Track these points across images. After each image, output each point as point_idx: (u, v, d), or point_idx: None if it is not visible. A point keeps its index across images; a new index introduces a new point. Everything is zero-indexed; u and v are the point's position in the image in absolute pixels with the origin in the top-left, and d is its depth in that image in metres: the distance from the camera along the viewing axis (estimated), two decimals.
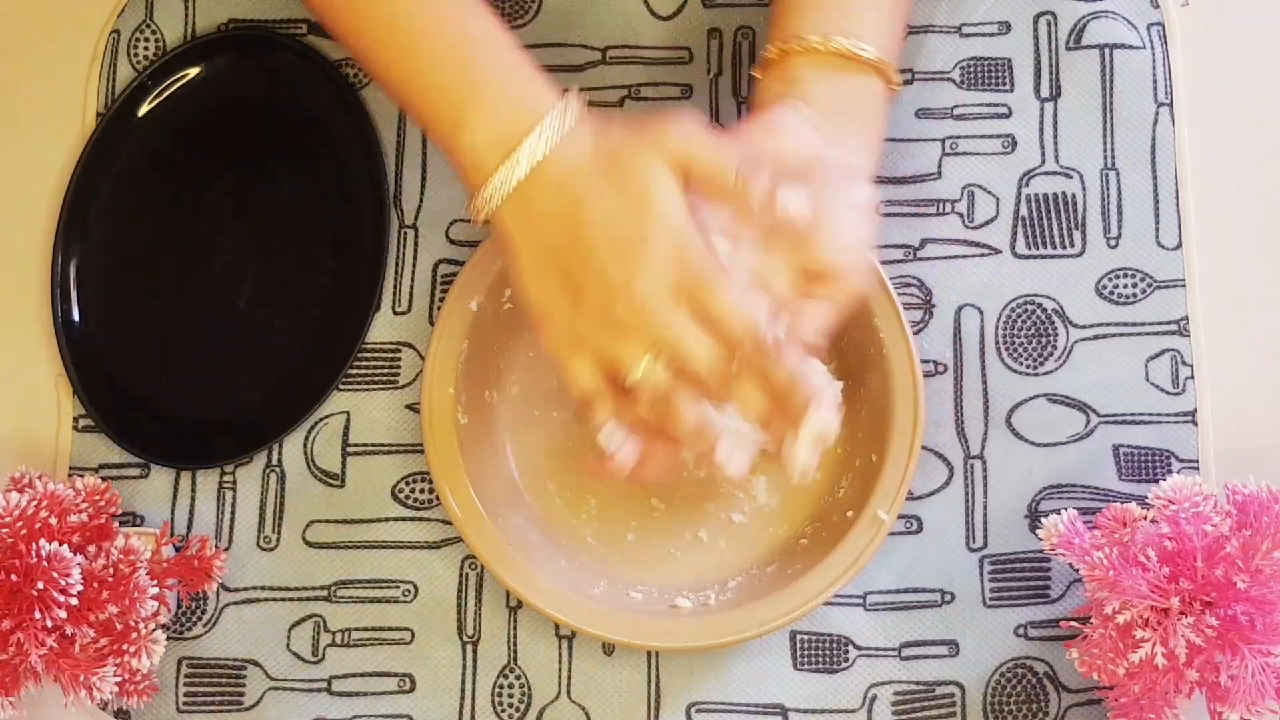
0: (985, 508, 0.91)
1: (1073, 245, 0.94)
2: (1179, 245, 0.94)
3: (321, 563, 0.92)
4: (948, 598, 0.90)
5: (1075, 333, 0.93)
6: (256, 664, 0.91)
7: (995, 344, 0.93)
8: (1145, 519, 0.85)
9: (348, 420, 0.93)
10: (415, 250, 0.95)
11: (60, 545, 0.82)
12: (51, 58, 0.99)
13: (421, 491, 0.92)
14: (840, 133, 0.84)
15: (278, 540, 0.92)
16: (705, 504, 0.92)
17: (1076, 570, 0.85)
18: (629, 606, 0.88)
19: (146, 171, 0.97)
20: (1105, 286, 0.94)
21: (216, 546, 0.91)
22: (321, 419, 0.94)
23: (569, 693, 0.90)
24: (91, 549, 0.86)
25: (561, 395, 0.93)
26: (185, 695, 0.90)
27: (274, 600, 0.91)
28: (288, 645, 0.91)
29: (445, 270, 0.95)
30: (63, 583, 0.81)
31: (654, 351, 0.77)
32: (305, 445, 0.93)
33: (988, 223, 0.94)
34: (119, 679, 0.85)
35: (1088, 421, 0.92)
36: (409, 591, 0.91)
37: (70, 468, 0.93)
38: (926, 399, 0.89)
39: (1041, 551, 0.88)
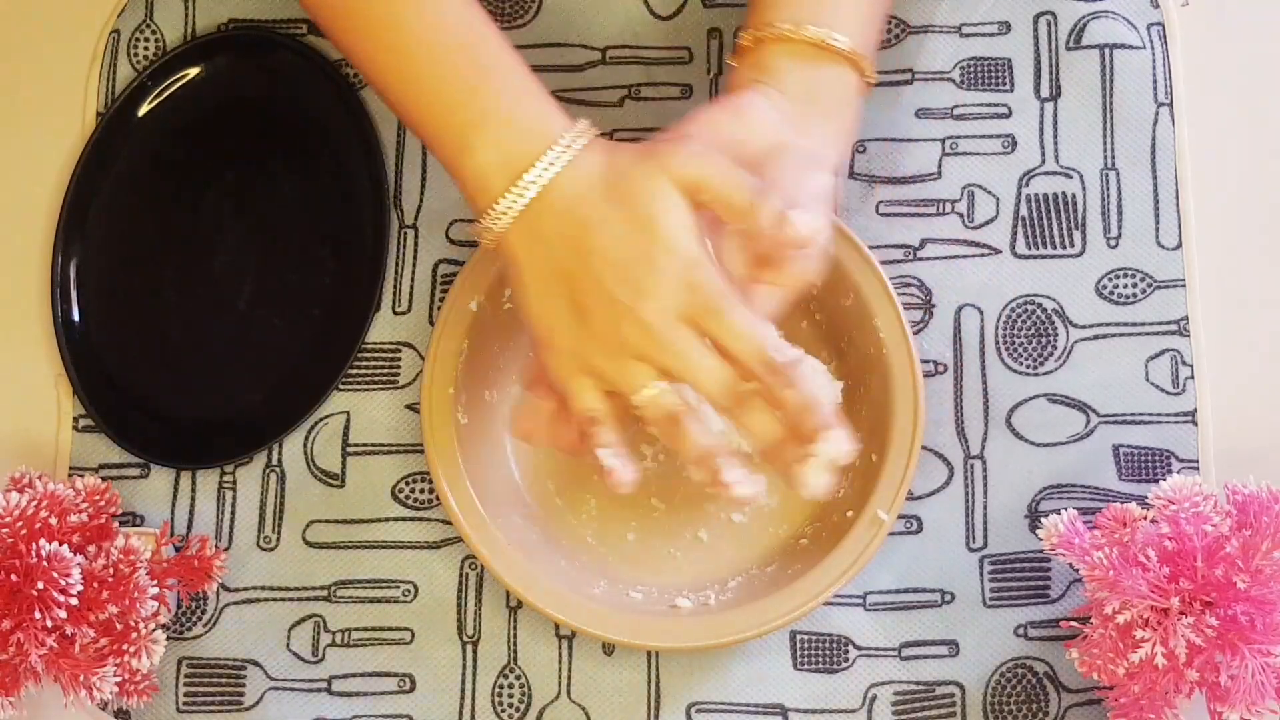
0: (985, 508, 0.91)
1: (1073, 245, 0.94)
2: (1179, 245, 0.94)
3: (321, 563, 0.92)
4: (948, 598, 0.90)
5: (1075, 333, 0.93)
6: (256, 664, 0.91)
7: (995, 344, 0.93)
8: (1145, 519, 0.85)
9: (348, 420, 0.93)
10: (415, 250, 0.95)
11: (60, 545, 0.82)
12: (51, 58, 0.99)
13: (421, 491, 0.92)
14: (809, 122, 0.84)
15: (278, 540, 0.92)
16: (705, 504, 0.92)
17: (1076, 570, 0.85)
18: (629, 606, 0.88)
19: (146, 171, 0.97)
20: (1105, 286, 0.94)
21: (216, 546, 0.91)
22: (321, 419, 0.94)
23: (569, 693, 0.90)
24: (91, 549, 0.86)
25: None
26: (185, 695, 0.90)
27: (274, 600, 0.91)
28: (288, 645, 0.91)
29: (445, 270, 0.95)
30: (63, 583, 0.81)
31: (662, 376, 0.77)
32: (305, 445, 0.93)
33: (988, 223, 0.94)
34: (119, 679, 0.85)
35: (1088, 421, 0.92)
36: (409, 591, 0.91)
37: (70, 468, 0.93)
38: (926, 399, 0.89)
39: (1041, 551, 0.88)
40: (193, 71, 0.98)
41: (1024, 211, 0.95)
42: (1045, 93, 0.96)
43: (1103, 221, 0.94)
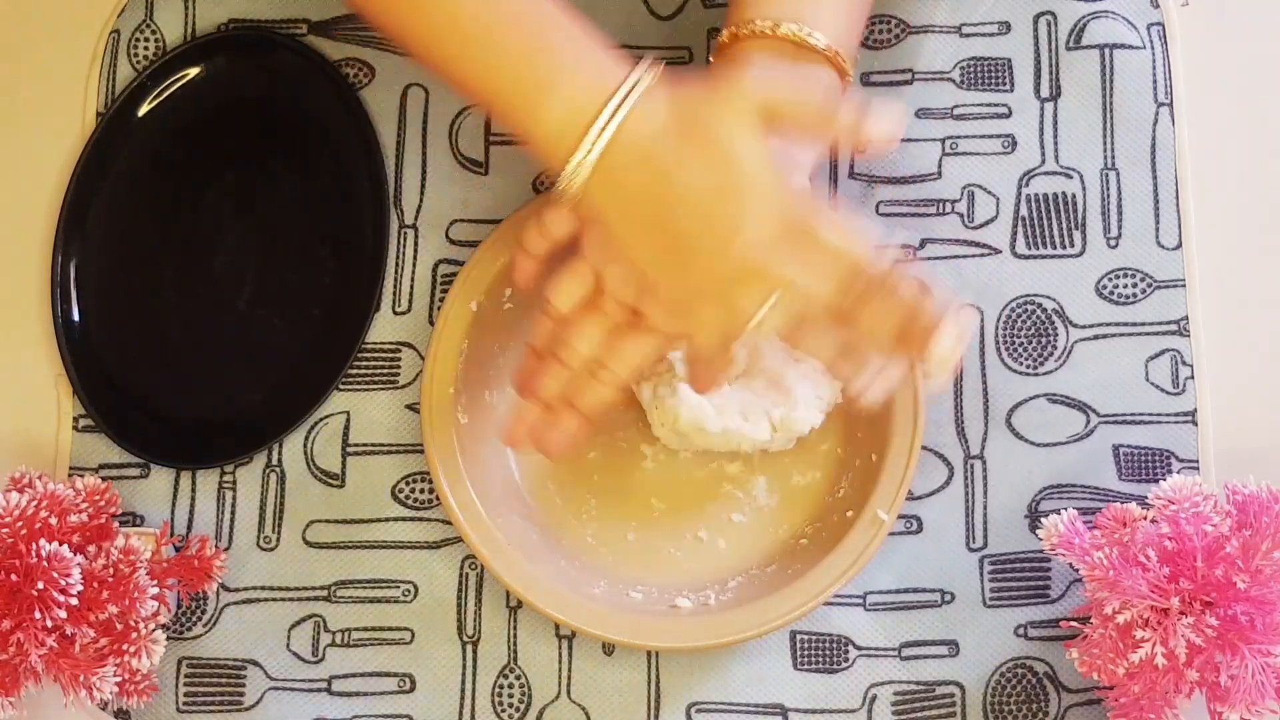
0: (985, 508, 0.91)
1: (1073, 245, 0.94)
2: (1179, 245, 0.94)
3: (321, 563, 0.92)
4: (948, 598, 0.90)
5: (1075, 333, 0.93)
6: (256, 664, 0.91)
7: (995, 344, 0.93)
8: (1145, 519, 0.85)
9: (348, 420, 0.93)
10: (415, 250, 0.95)
11: (60, 545, 0.82)
12: (51, 58, 0.99)
13: (421, 491, 0.92)
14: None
15: (278, 540, 0.92)
16: (705, 504, 0.92)
17: (1076, 570, 0.85)
18: (629, 606, 0.88)
19: (146, 171, 0.97)
20: (1105, 286, 0.94)
21: (216, 546, 0.91)
22: (321, 419, 0.94)
23: (569, 693, 0.90)
24: (91, 549, 0.86)
25: None
26: (185, 695, 0.90)
27: (274, 600, 0.91)
28: (288, 645, 0.91)
29: (445, 270, 0.95)
30: (63, 583, 0.81)
31: (773, 295, 0.78)
32: (305, 445, 0.93)
33: (988, 223, 0.94)
34: (119, 679, 0.85)
35: (1088, 421, 0.92)
36: (409, 591, 0.91)
37: (70, 468, 0.93)
38: (926, 399, 0.89)
39: (1041, 551, 0.88)
40: (193, 71, 0.98)
41: (1024, 211, 0.95)
42: (1045, 93, 0.96)
43: (1103, 221, 0.94)
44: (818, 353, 0.80)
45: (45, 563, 0.82)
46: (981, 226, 0.94)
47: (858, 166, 0.95)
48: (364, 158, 0.96)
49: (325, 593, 0.91)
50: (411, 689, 0.90)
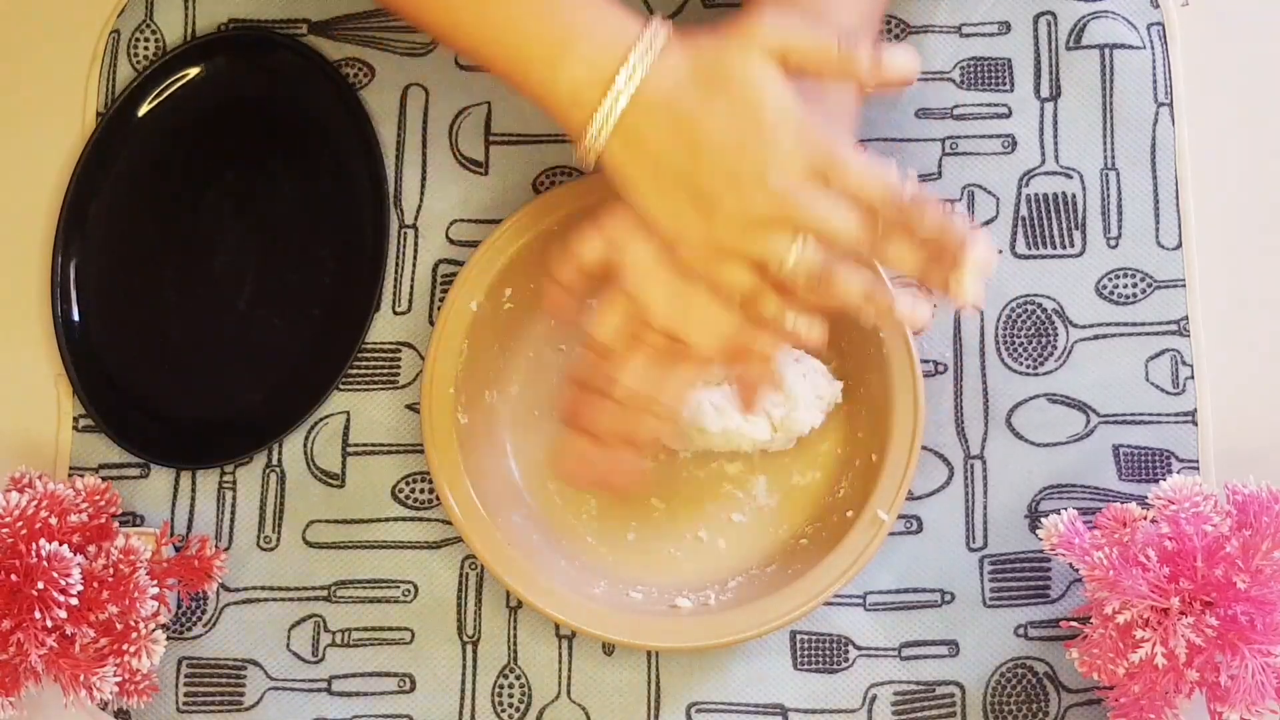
0: (985, 508, 0.91)
1: (1073, 245, 0.94)
2: (1179, 245, 0.94)
3: (321, 563, 0.92)
4: (948, 598, 0.90)
5: (1075, 333, 0.93)
6: (256, 664, 0.91)
7: (995, 344, 0.93)
8: (1145, 519, 0.85)
9: (348, 420, 0.93)
10: (415, 250, 0.95)
11: (60, 545, 0.82)
12: (51, 58, 0.99)
13: (421, 491, 0.92)
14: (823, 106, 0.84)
15: (278, 540, 0.92)
16: (705, 504, 0.92)
17: (1076, 570, 0.85)
18: (629, 606, 0.88)
19: (146, 171, 0.97)
20: (1105, 286, 0.94)
21: (216, 546, 0.91)
22: (321, 419, 0.94)
23: (569, 693, 0.90)
24: (91, 549, 0.86)
25: (562, 395, 0.93)
26: (185, 695, 0.90)
27: (274, 600, 0.91)
28: (288, 645, 0.91)
29: (445, 270, 0.95)
30: (63, 583, 0.81)
31: (802, 236, 0.77)
32: (305, 445, 0.93)
33: (988, 223, 0.94)
34: (119, 679, 0.85)
35: (1088, 421, 0.92)
36: (409, 591, 0.91)
37: (70, 468, 0.93)
38: (926, 399, 0.89)
39: (1041, 551, 0.88)
40: (193, 71, 0.98)
41: (1024, 211, 0.95)
42: (1045, 93, 0.96)
43: (1103, 221, 0.94)
44: (848, 292, 0.79)
45: (45, 563, 0.82)
46: (981, 226, 0.94)
47: None
48: (364, 158, 0.96)
49: (325, 593, 0.91)
50: (411, 689, 0.90)
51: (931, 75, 0.96)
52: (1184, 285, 0.93)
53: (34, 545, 0.82)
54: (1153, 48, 0.96)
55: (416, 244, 0.95)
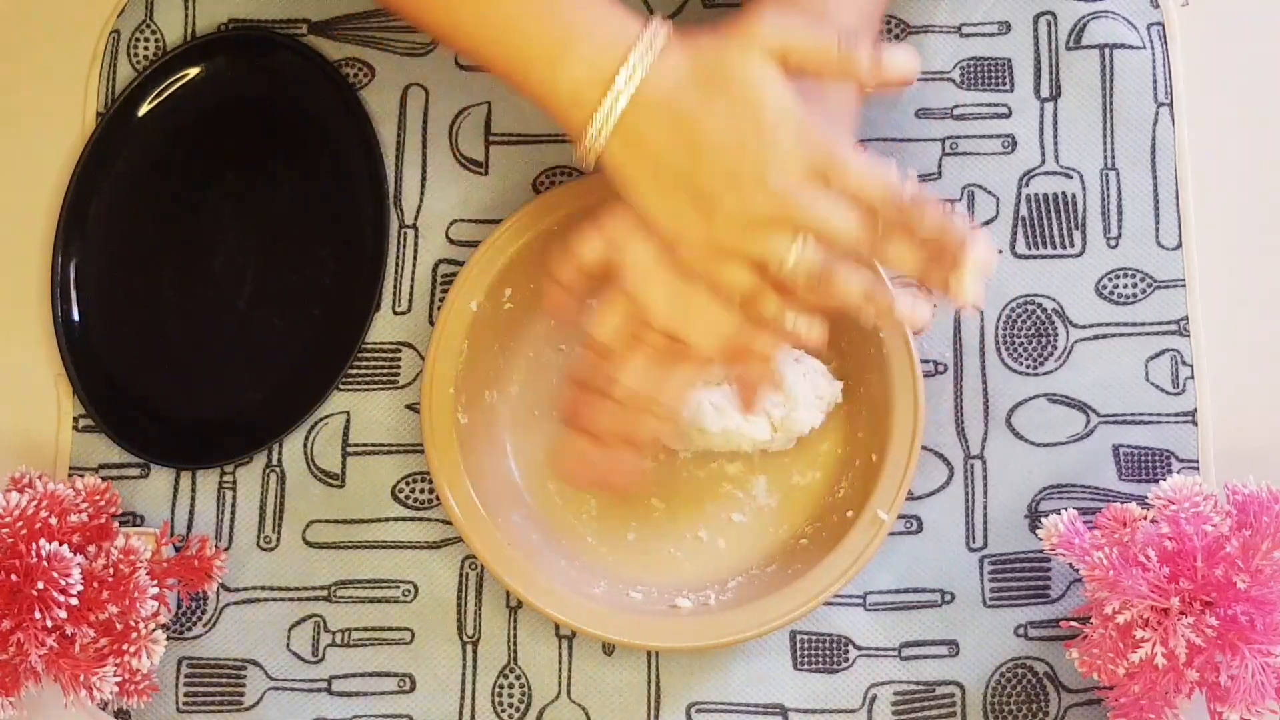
0: (985, 508, 0.91)
1: (1073, 245, 0.94)
2: (1179, 245, 0.94)
3: (321, 563, 0.92)
4: (948, 598, 0.90)
5: (1075, 333, 0.93)
6: (256, 664, 0.91)
7: (995, 344, 0.93)
8: (1145, 519, 0.85)
9: (348, 420, 0.93)
10: (415, 250, 0.95)
11: (60, 545, 0.82)
12: (51, 58, 0.99)
13: (421, 491, 0.92)
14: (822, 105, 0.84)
15: (278, 540, 0.92)
16: (705, 504, 0.92)
17: (1076, 570, 0.85)
18: (629, 606, 0.88)
19: (146, 171, 0.97)
20: (1105, 286, 0.94)
21: (216, 546, 0.91)
22: (321, 419, 0.94)
23: (569, 693, 0.90)
24: (91, 549, 0.86)
25: (562, 395, 0.93)
26: (185, 695, 0.90)
27: (274, 600, 0.91)
28: (288, 645, 0.91)
29: (445, 270, 0.95)
30: (63, 583, 0.81)
31: (802, 236, 0.77)
32: (305, 445, 0.93)
33: (988, 223, 0.94)
34: (119, 679, 0.85)
35: (1088, 421, 0.92)
36: (409, 591, 0.91)
37: (70, 468, 0.93)
38: (926, 399, 0.89)
39: (1041, 551, 0.88)
40: (193, 71, 0.98)
41: (1024, 211, 0.95)
42: (1045, 93, 0.96)
43: (1103, 221, 0.94)
44: (848, 292, 0.79)
45: (45, 563, 0.82)
46: (981, 227, 0.94)
47: None
48: (364, 158, 0.96)
49: (325, 593, 0.91)
50: (411, 689, 0.90)
51: (931, 75, 0.96)
52: (1184, 285, 0.93)
53: (34, 545, 0.82)
54: (1153, 48, 0.96)
55: (416, 244, 0.95)
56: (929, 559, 0.90)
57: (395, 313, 0.95)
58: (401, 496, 0.92)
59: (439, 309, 0.93)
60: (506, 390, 0.93)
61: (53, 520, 0.84)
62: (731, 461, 0.92)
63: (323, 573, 0.92)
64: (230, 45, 0.98)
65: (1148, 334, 0.93)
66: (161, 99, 0.97)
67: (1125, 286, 0.93)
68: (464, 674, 0.90)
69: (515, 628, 0.90)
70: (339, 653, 0.91)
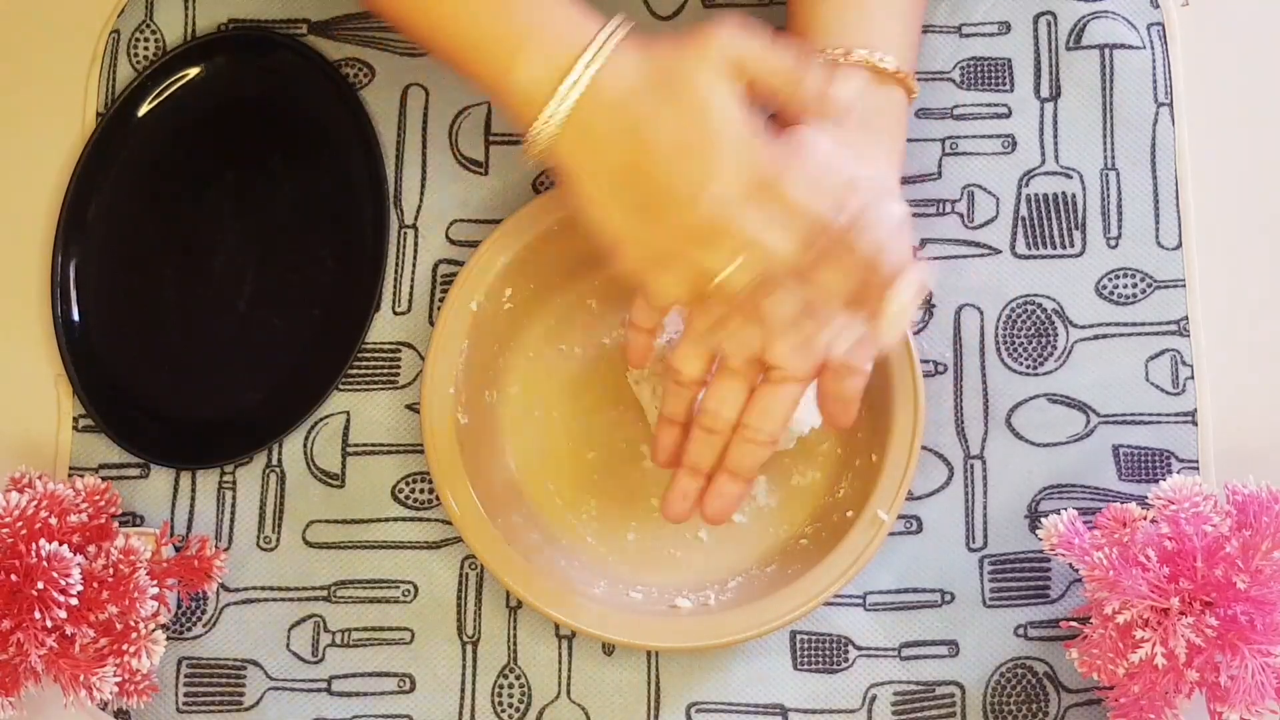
0: (985, 508, 0.91)
1: (1073, 245, 0.94)
2: (1179, 245, 0.94)
3: (321, 563, 0.92)
4: (948, 598, 0.90)
5: (1075, 333, 0.93)
6: (256, 664, 0.91)
7: (995, 344, 0.93)
8: (1145, 519, 0.85)
9: (348, 420, 0.93)
10: (415, 250, 0.95)
11: (60, 545, 0.82)
12: (51, 58, 0.99)
13: (421, 491, 0.92)
14: (865, 146, 0.84)
15: (278, 540, 0.92)
16: None
17: (1076, 570, 0.85)
18: (629, 606, 0.88)
19: (146, 171, 0.97)
20: (1105, 286, 0.94)
21: (216, 546, 0.91)
22: (321, 419, 0.94)
23: (569, 693, 0.90)
24: (91, 549, 0.86)
25: (562, 395, 0.93)
26: (185, 695, 0.90)
27: (274, 600, 0.91)
28: (288, 645, 0.91)
29: (445, 270, 0.95)
30: (63, 583, 0.81)
31: (737, 252, 0.77)
32: (305, 445, 0.93)
33: (988, 223, 0.94)
34: (119, 679, 0.85)
35: (1088, 421, 0.92)
36: (409, 591, 0.91)
37: (70, 468, 0.93)
38: (926, 399, 0.89)
39: (1041, 551, 0.88)
40: (193, 71, 0.98)
41: (1024, 211, 0.95)
42: (1045, 93, 0.96)
43: (1103, 221, 0.94)
44: (777, 313, 0.79)
45: (45, 563, 0.82)
46: (981, 226, 0.94)
47: None
48: (364, 158, 0.96)
49: (325, 593, 0.91)
50: (411, 689, 0.90)
51: (931, 75, 0.96)
52: (1184, 285, 0.93)
53: (34, 545, 0.82)
54: (1153, 48, 0.96)
55: (416, 244, 0.95)
56: (929, 559, 0.90)
57: (395, 313, 0.95)
58: (401, 496, 0.92)
59: (439, 309, 0.93)
60: (506, 390, 0.93)
61: (53, 520, 0.84)
62: None
63: (323, 573, 0.92)
64: (230, 45, 0.98)
65: (1148, 334, 0.93)
66: (161, 99, 0.97)
67: (1125, 286, 0.93)
68: (464, 674, 0.90)
69: (515, 628, 0.90)
70: (339, 653, 0.91)
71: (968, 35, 0.97)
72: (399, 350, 0.94)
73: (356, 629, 0.91)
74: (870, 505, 0.87)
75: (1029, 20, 0.97)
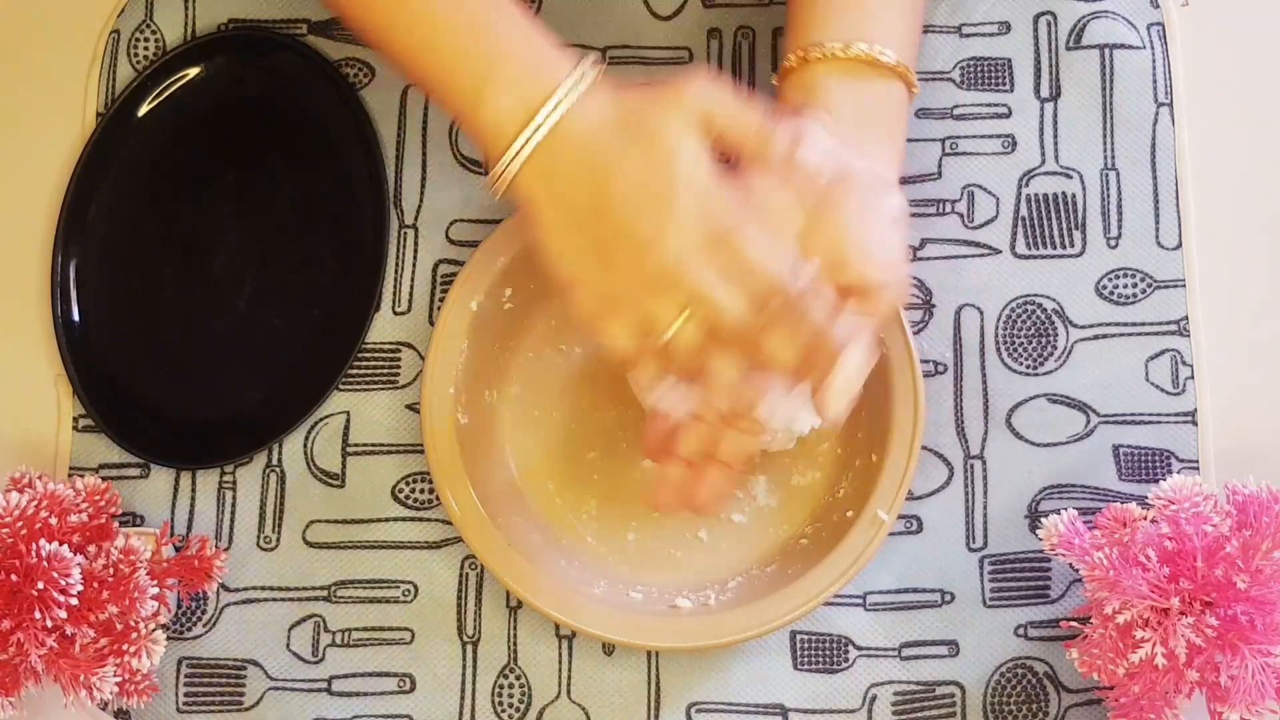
0: (985, 508, 0.91)
1: (1073, 245, 0.94)
2: (1179, 245, 0.94)
3: (321, 563, 0.92)
4: (948, 598, 0.90)
5: (1075, 333, 0.93)
6: (256, 664, 0.91)
7: (995, 344, 0.93)
8: (1145, 519, 0.85)
9: (348, 420, 0.93)
10: (415, 250, 0.95)
11: (60, 545, 0.82)
12: (51, 58, 0.99)
13: (421, 491, 0.92)
14: (864, 140, 0.84)
15: (278, 540, 0.92)
16: None
17: (1076, 570, 0.85)
18: (629, 606, 0.88)
19: (146, 171, 0.97)
20: (1105, 286, 0.94)
21: (216, 546, 0.91)
22: (321, 419, 0.94)
23: (569, 693, 0.90)
24: (91, 549, 0.86)
25: (562, 395, 0.93)
26: (185, 695, 0.90)
27: (274, 600, 0.91)
28: (288, 645, 0.91)
29: (445, 270, 0.95)
30: (63, 583, 0.81)
31: (687, 307, 0.77)
32: (305, 445, 0.93)
33: (988, 223, 0.94)
34: (119, 679, 0.85)
35: (1088, 421, 0.92)
36: (409, 591, 0.91)
37: (70, 468, 0.93)
38: (926, 399, 0.89)
39: (1041, 551, 0.88)
40: (193, 71, 0.98)
41: (1024, 211, 0.95)
42: (1045, 93, 0.96)
43: (1103, 221, 0.94)
44: (720, 374, 0.79)
45: (45, 563, 0.82)
46: (981, 226, 0.94)
47: None
48: (364, 158, 0.96)
49: (325, 593, 0.91)
50: (411, 689, 0.90)
51: (931, 75, 0.96)
52: (1184, 285, 0.93)
53: (34, 545, 0.82)
54: (1153, 48, 0.96)
55: (416, 244, 0.95)
56: (929, 559, 0.90)
57: (395, 313, 0.95)
58: (401, 496, 0.92)
59: (439, 309, 0.93)
60: (506, 390, 0.93)
61: (53, 520, 0.84)
62: None
63: (323, 573, 0.92)
64: (230, 45, 0.98)
65: (1148, 334, 0.93)
66: (161, 99, 0.97)
67: (1125, 286, 0.93)
68: (464, 674, 0.90)
69: (515, 628, 0.90)
70: (339, 653, 0.91)
71: (968, 35, 0.97)
72: (399, 350, 0.94)
73: (356, 629, 0.91)
74: (870, 505, 0.87)
75: (1029, 20, 0.97)
